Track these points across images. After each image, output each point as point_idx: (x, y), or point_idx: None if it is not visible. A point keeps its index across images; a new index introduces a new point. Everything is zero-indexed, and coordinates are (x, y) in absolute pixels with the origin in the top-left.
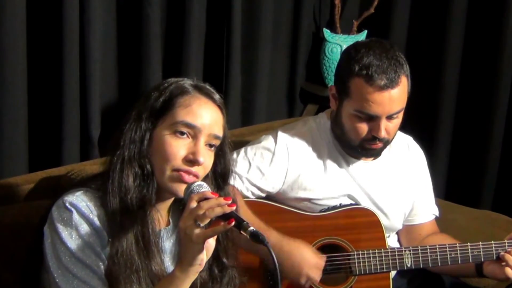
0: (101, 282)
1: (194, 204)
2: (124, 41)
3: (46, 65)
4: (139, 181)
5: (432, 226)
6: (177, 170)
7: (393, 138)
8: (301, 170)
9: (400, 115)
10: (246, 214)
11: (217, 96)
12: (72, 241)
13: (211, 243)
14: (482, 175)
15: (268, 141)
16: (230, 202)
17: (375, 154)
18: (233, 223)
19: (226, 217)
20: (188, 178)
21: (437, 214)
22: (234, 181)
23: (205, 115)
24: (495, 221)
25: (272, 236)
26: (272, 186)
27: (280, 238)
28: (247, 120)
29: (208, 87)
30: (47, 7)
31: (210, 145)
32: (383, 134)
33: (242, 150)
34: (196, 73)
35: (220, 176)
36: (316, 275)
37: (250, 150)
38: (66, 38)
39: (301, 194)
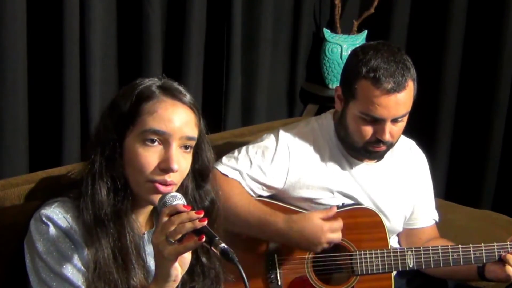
0: None
1: (165, 218)
2: (124, 41)
3: (46, 65)
4: (112, 194)
5: (432, 231)
6: (152, 181)
7: (396, 141)
8: (302, 169)
9: (405, 119)
10: (250, 200)
11: (186, 96)
12: (49, 256)
13: (186, 257)
14: (482, 175)
15: (269, 140)
16: (201, 216)
17: (378, 156)
18: (204, 239)
19: (197, 232)
20: (164, 189)
21: (437, 219)
22: (233, 176)
23: (174, 118)
24: (495, 221)
25: (278, 219)
26: (273, 185)
27: (286, 218)
28: (247, 120)
29: (176, 86)
30: (47, 7)
31: (186, 147)
32: (387, 137)
33: (244, 149)
34: (196, 73)
35: (198, 174)
36: (335, 236)
37: (252, 148)
38: (67, 38)
39: (303, 194)
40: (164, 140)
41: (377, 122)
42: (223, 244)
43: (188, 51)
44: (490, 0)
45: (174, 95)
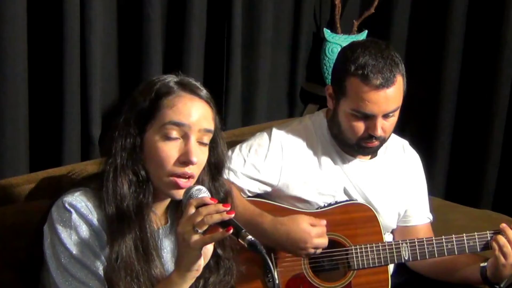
0: (100, 283)
1: (192, 210)
2: (124, 41)
3: (46, 65)
4: (134, 187)
5: (427, 230)
6: (172, 175)
7: (389, 136)
8: (296, 167)
9: (396, 114)
10: (240, 201)
11: (203, 91)
12: (71, 242)
13: (209, 248)
14: (482, 175)
15: (262, 138)
16: (228, 209)
17: (372, 152)
18: (231, 230)
19: (224, 224)
20: (184, 183)
21: (431, 219)
22: (229, 177)
23: (192, 112)
24: (495, 221)
25: (265, 220)
26: (268, 181)
27: (273, 220)
28: (247, 120)
29: (193, 82)
30: (47, 7)
31: (203, 141)
32: (379, 132)
33: (237, 147)
34: (197, 73)
35: (214, 167)
36: (322, 241)
37: (245, 147)
38: (67, 38)
39: (297, 192)
40: (184, 133)
41: (369, 118)
42: (250, 236)
43: (188, 51)
44: (490, 0)
45: (192, 90)
